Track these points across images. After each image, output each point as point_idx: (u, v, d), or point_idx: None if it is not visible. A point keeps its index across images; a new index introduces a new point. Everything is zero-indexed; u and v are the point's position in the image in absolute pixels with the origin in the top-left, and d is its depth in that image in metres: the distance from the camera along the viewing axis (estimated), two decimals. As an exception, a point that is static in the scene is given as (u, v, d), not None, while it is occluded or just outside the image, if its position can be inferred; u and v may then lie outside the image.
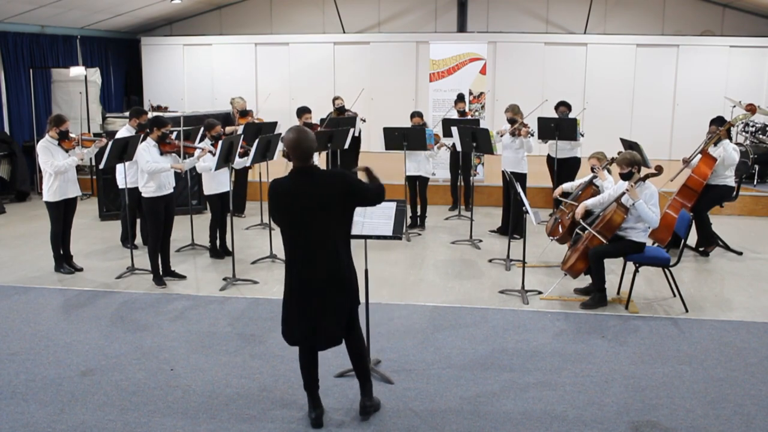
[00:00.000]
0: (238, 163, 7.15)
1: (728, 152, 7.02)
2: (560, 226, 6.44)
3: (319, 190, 3.61)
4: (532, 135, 7.79)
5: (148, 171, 6.20)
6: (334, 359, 4.54)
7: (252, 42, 13.36)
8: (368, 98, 12.46)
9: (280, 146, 7.48)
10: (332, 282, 3.69)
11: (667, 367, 4.69)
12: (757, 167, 9.72)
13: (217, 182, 7.02)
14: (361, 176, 3.88)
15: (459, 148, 8.32)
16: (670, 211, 6.88)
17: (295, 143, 3.60)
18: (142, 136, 6.65)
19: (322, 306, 3.71)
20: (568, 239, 6.31)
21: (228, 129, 8.93)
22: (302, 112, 8.33)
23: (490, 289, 6.32)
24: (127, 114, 8.55)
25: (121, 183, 7.25)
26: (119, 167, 7.13)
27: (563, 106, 8.88)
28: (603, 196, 6.05)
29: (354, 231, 4.09)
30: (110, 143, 6.53)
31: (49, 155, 6.41)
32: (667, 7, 12.90)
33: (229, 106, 9.96)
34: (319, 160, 8.48)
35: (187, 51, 13.54)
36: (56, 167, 6.41)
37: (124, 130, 7.41)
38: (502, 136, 7.95)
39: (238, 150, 6.78)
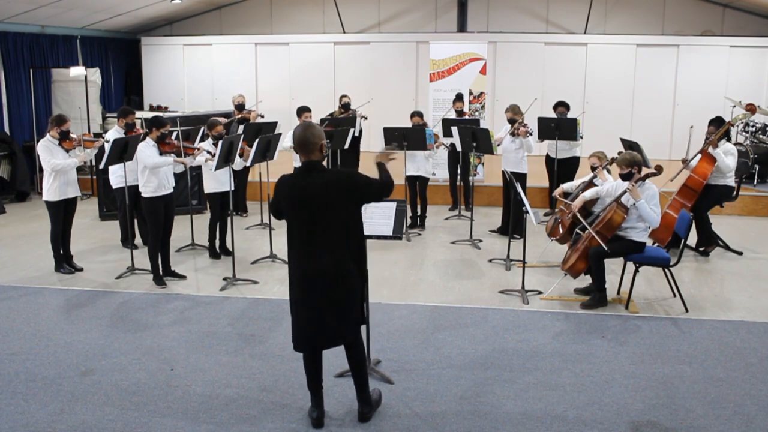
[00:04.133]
0: (238, 163, 7.15)
1: (721, 160, 7.01)
2: (560, 226, 6.44)
3: (323, 187, 3.67)
4: (531, 134, 7.78)
5: (153, 165, 6.18)
6: (334, 359, 4.54)
7: (252, 42, 13.36)
8: (368, 98, 12.46)
9: (281, 144, 7.56)
10: (331, 279, 3.71)
11: (667, 367, 4.69)
12: (757, 167, 9.71)
13: (218, 181, 7.02)
14: (380, 158, 3.98)
15: (459, 148, 8.33)
16: (670, 211, 6.88)
17: (302, 137, 3.73)
18: (141, 135, 6.65)
19: (323, 303, 3.72)
20: (568, 239, 6.32)
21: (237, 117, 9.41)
22: (302, 111, 8.34)
23: (490, 289, 6.32)
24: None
25: (114, 183, 7.24)
26: (111, 167, 7.11)
27: (562, 106, 8.88)
28: (600, 189, 6.05)
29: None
30: (110, 143, 6.52)
31: (49, 154, 6.41)
32: (667, 7, 12.90)
33: (230, 105, 10.00)
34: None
35: (187, 51, 13.54)
36: (55, 166, 6.41)
37: (113, 131, 7.37)
38: (499, 145, 7.95)
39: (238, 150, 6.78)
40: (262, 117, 9.74)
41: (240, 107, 9.64)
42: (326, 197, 3.66)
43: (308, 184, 3.67)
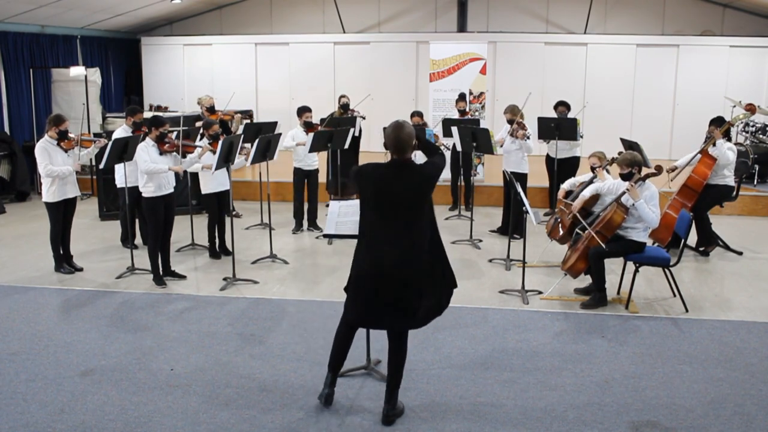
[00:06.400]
0: (237, 163, 7.16)
1: (721, 151, 7.01)
2: (560, 226, 6.44)
3: (413, 186, 3.75)
4: (529, 137, 7.74)
5: (146, 171, 6.18)
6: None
7: (252, 42, 13.36)
8: (368, 98, 12.46)
9: (282, 144, 7.56)
10: (404, 273, 3.73)
11: (667, 367, 4.69)
12: (757, 167, 9.71)
13: (216, 181, 7.03)
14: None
15: (459, 148, 8.32)
16: (670, 211, 6.88)
17: (393, 137, 3.74)
18: (141, 135, 6.65)
19: (392, 291, 3.74)
20: (568, 239, 6.31)
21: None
22: (303, 111, 8.34)
23: (490, 289, 6.32)
24: (127, 114, 8.54)
25: (119, 182, 7.24)
26: (118, 167, 7.12)
27: (562, 105, 8.88)
28: (600, 186, 6.03)
29: (354, 230, 4.10)
30: (110, 143, 6.52)
31: (46, 156, 6.38)
32: (667, 7, 12.90)
33: (229, 106, 9.93)
34: (319, 159, 8.49)
35: (187, 51, 13.55)
36: (50, 171, 6.37)
37: (121, 130, 7.39)
38: (501, 146, 7.93)
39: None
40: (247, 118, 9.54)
41: (212, 109, 9.44)
42: (413, 197, 3.74)
43: (399, 180, 3.72)
